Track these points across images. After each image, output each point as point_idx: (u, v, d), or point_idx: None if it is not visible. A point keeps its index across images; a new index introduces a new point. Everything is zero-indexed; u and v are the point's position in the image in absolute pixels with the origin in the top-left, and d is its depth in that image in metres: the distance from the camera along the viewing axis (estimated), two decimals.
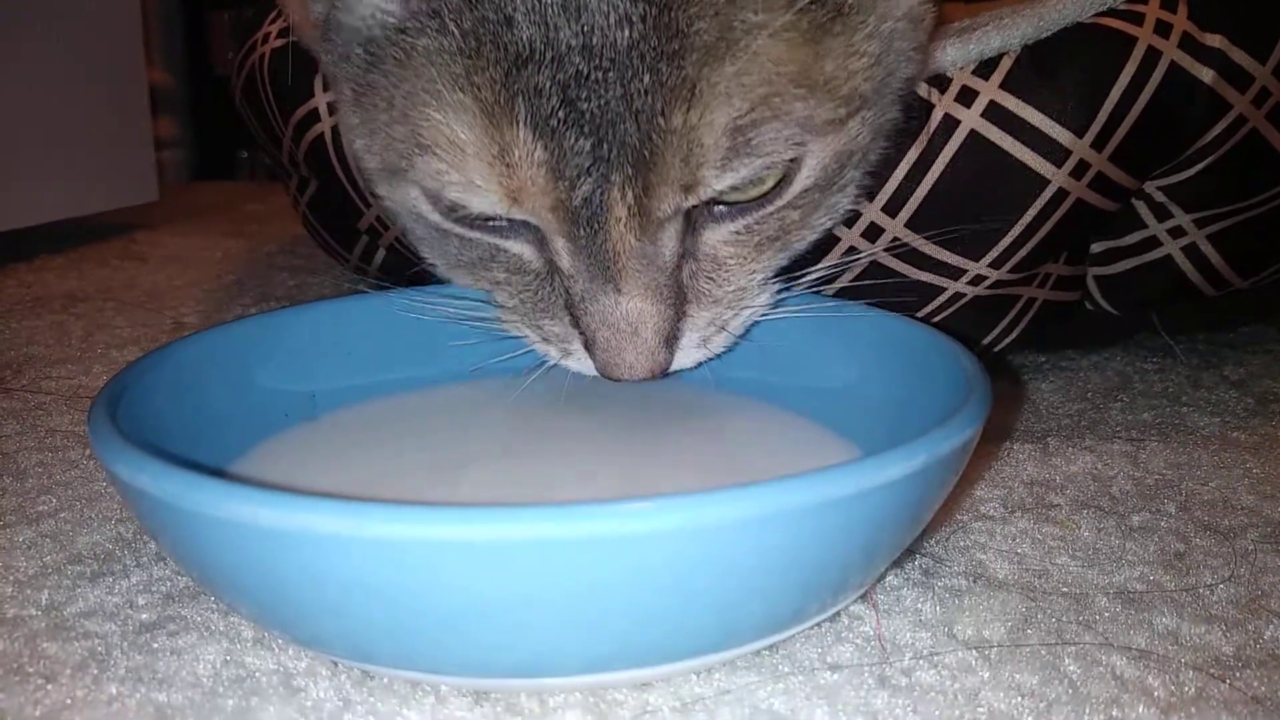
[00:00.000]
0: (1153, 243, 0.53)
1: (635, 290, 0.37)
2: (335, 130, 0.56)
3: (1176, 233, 0.53)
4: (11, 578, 0.37)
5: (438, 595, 0.26)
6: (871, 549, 0.30)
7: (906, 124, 0.44)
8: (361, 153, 0.41)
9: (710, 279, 0.39)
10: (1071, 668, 0.31)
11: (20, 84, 0.90)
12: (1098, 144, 0.46)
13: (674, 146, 0.34)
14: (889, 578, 0.37)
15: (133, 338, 0.68)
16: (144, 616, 0.34)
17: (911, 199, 0.46)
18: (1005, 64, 0.46)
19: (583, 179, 0.35)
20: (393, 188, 0.40)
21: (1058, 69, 0.45)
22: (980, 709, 0.29)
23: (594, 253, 0.37)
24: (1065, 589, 0.36)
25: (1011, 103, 0.45)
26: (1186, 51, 0.46)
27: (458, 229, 0.40)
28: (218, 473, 0.38)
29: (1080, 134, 0.45)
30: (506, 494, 0.38)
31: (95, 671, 0.31)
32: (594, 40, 0.34)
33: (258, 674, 0.31)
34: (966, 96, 0.46)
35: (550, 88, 0.34)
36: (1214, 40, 0.46)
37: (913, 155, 0.46)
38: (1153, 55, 0.45)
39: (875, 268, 0.48)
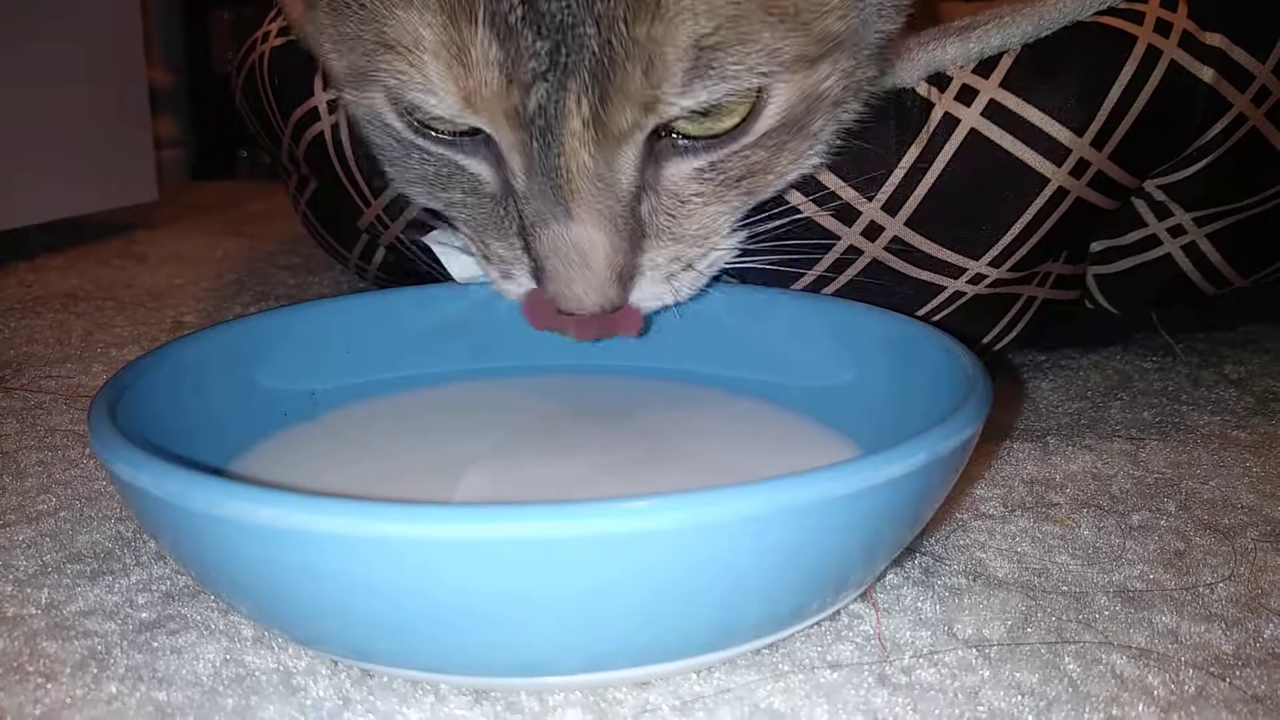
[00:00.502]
0: (1153, 241, 0.53)
1: (587, 216, 0.36)
2: (335, 129, 0.56)
3: (1176, 231, 0.53)
4: (11, 576, 0.37)
5: (437, 594, 0.26)
6: (871, 547, 0.30)
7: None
8: (330, 54, 0.40)
9: (671, 216, 0.38)
10: (1071, 666, 0.31)
11: (20, 83, 0.90)
12: (1098, 143, 0.46)
13: (635, 57, 0.33)
14: (889, 576, 0.37)
15: (132, 337, 0.68)
16: (144, 615, 0.34)
17: (911, 198, 0.46)
18: (1005, 63, 0.46)
19: (538, 83, 0.34)
20: (359, 91, 0.39)
21: (1058, 68, 0.45)
22: (980, 707, 0.29)
23: (547, 170, 0.36)
24: (1065, 588, 0.36)
25: (1012, 101, 0.45)
26: (1187, 50, 0.46)
27: (419, 140, 0.39)
28: (217, 472, 0.38)
29: (1080, 133, 0.45)
30: (506, 493, 0.38)
31: (95, 670, 0.31)
32: None
33: (257, 673, 0.31)
34: (966, 95, 0.46)
35: None
36: (1214, 39, 0.46)
37: (913, 153, 0.46)
38: (1153, 54, 0.45)
39: (875, 266, 0.48)
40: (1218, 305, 0.59)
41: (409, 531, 0.25)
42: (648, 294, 0.39)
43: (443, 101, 0.35)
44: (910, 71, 0.46)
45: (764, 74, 0.35)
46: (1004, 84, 0.46)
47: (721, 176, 0.38)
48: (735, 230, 0.41)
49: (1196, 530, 0.40)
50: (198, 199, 1.33)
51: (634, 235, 0.37)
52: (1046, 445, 0.48)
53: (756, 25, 0.34)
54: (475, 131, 0.37)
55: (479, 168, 0.39)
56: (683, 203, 0.38)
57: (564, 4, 0.33)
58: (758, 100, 0.36)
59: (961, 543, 0.39)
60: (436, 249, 0.47)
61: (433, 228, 0.48)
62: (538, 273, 0.38)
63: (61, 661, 0.32)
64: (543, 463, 0.41)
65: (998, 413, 0.44)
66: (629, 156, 0.36)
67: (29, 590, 0.36)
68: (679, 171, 0.38)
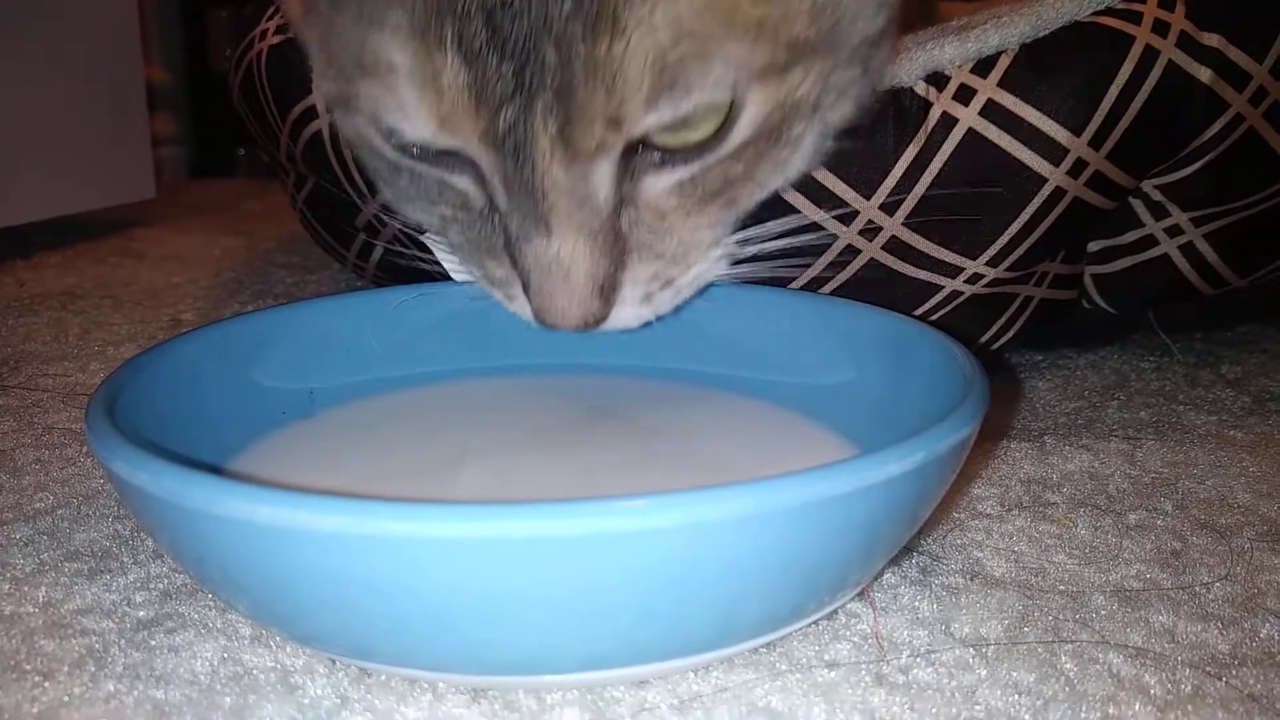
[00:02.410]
0: (1150, 241, 0.53)
1: (566, 231, 0.36)
2: (333, 127, 0.56)
3: (1174, 231, 0.53)
4: (8, 575, 0.37)
5: (435, 593, 0.26)
6: (869, 547, 0.30)
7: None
8: (320, 78, 0.40)
9: (652, 231, 0.38)
10: (1068, 666, 0.31)
11: (18, 81, 0.89)
12: (1095, 142, 0.46)
13: (597, 76, 0.33)
14: (886, 575, 0.37)
15: (130, 335, 0.68)
16: (141, 614, 0.34)
17: (909, 197, 0.46)
18: (1003, 62, 0.46)
19: (506, 106, 0.34)
20: (346, 115, 0.40)
21: (1056, 68, 0.45)
22: (977, 707, 0.29)
23: (524, 187, 0.36)
24: (1062, 587, 0.36)
25: (1009, 101, 0.45)
26: (1184, 50, 0.46)
27: (406, 161, 0.39)
28: (215, 470, 0.38)
29: (1078, 132, 0.45)
30: (504, 491, 0.38)
31: (93, 669, 0.31)
32: None
33: (255, 671, 0.31)
34: (964, 95, 0.46)
35: (475, 9, 0.33)
36: (1212, 39, 0.46)
37: (910, 153, 0.46)
38: (1150, 54, 0.45)
39: (872, 265, 0.48)
40: (1215, 305, 0.59)
41: (407, 530, 0.25)
42: (627, 314, 0.39)
43: (418, 125, 0.36)
44: (908, 71, 0.46)
45: (732, 86, 0.35)
46: (1002, 83, 0.46)
47: (700, 190, 0.38)
48: (718, 244, 0.41)
49: (1193, 530, 0.40)
50: (196, 197, 1.33)
51: (615, 250, 0.37)
52: (1043, 445, 0.48)
53: (720, 38, 0.34)
54: (455, 152, 0.37)
55: (465, 184, 0.39)
56: (662, 216, 0.38)
57: (525, 28, 0.33)
58: (731, 112, 0.36)
59: (959, 542, 0.39)
60: (434, 247, 0.47)
61: None
62: (524, 288, 0.38)
63: (59, 660, 0.32)
64: (540, 462, 0.41)
65: (995, 412, 0.44)
66: (603, 172, 0.36)
67: (26, 588, 0.36)
68: (657, 185, 0.38)
